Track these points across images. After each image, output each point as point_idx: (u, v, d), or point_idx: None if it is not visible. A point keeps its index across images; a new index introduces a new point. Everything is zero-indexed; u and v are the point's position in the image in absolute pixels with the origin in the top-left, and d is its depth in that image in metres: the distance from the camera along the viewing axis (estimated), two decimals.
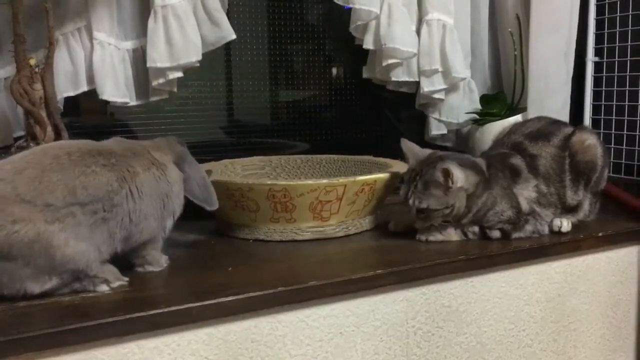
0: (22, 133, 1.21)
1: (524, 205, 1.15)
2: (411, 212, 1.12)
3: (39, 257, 0.82)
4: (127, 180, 0.90)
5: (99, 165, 0.88)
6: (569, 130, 1.25)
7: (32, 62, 1.12)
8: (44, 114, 1.13)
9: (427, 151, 1.18)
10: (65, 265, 0.84)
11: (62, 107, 1.25)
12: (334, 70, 1.79)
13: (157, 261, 1.00)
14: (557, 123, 1.29)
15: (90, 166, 0.87)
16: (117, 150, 0.93)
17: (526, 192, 1.16)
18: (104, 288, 0.89)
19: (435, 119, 1.67)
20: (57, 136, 1.15)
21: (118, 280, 0.91)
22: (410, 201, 1.11)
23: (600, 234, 1.22)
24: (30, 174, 0.84)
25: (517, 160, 1.18)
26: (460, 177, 1.08)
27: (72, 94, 1.27)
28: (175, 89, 1.33)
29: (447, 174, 1.07)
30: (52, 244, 0.82)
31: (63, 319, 0.79)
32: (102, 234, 0.88)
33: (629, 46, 1.61)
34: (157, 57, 1.26)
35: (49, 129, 1.13)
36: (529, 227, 1.16)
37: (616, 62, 1.64)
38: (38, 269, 0.82)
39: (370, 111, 1.82)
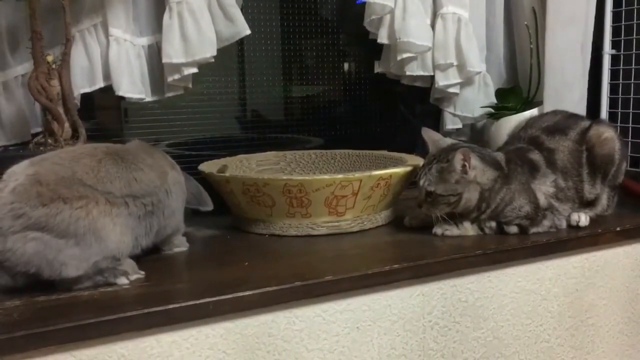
0: (39, 129, 1.22)
1: (542, 201, 1.14)
2: (420, 195, 1.13)
3: (91, 238, 0.85)
4: (163, 178, 0.98)
5: (144, 165, 0.95)
6: (586, 123, 1.24)
7: (50, 58, 1.13)
8: (61, 110, 1.14)
9: (449, 140, 1.19)
10: (109, 251, 0.87)
11: (78, 104, 1.25)
12: (348, 65, 1.79)
13: (182, 243, 1.09)
14: (574, 117, 1.28)
15: (137, 164, 0.94)
16: (145, 151, 0.99)
17: (544, 187, 1.15)
18: (123, 280, 0.90)
19: (450, 113, 1.66)
20: (75, 132, 1.16)
21: (136, 274, 0.93)
22: (421, 182, 1.11)
23: (618, 229, 1.21)
24: (88, 162, 0.89)
25: (536, 155, 1.17)
26: (477, 167, 1.08)
27: (88, 90, 1.27)
28: (190, 85, 1.34)
29: (467, 157, 1.07)
30: (107, 227, 0.86)
31: (82, 313, 0.80)
32: (146, 227, 0.94)
33: None
34: (173, 53, 1.26)
35: (67, 124, 1.15)
36: (546, 222, 1.15)
37: (633, 54, 1.62)
38: (85, 251, 0.85)
39: (384, 106, 1.81)
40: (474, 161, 1.08)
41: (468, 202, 1.10)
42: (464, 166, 1.07)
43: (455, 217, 1.14)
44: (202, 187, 1.13)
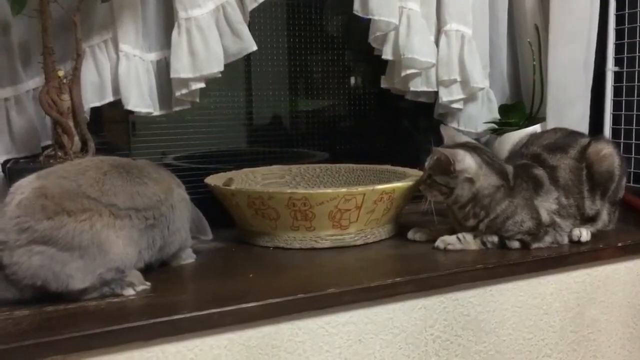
0: (49, 142, 1.24)
1: (545, 217, 1.15)
2: (423, 175, 1.17)
3: (95, 251, 0.86)
4: (168, 193, 0.99)
5: (149, 179, 0.96)
6: (585, 141, 1.26)
7: (61, 73, 1.15)
8: (71, 123, 1.16)
9: (465, 137, 1.24)
10: (113, 263, 0.88)
11: (88, 117, 1.28)
12: (353, 80, 1.80)
13: (189, 255, 1.10)
14: (574, 134, 1.29)
15: (142, 178, 0.95)
16: (152, 167, 1.01)
17: (547, 204, 1.16)
18: (130, 292, 0.92)
19: (454, 128, 1.67)
20: (84, 145, 1.18)
21: (142, 285, 0.94)
22: (427, 163, 1.16)
23: (619, 244, 1.22)
24: (93, 175, 0.90)
25: (540, 172, 1.19)
26: (471, 168, 1.11)
27: (98, 104, 1.29)
28: (197, 99, 1.36)
29: (447, 159, 1.10)
30: (110, 240, 0.87)
31: (89, 323, 0.81)
32: (148, 240, 0.95)
33: None
34: (181, 68, 1.28)
35: (76, 138, 1.17)
36: (548, 238, 1.16)
37: (636, 71, 1.64)
38: (89, 263, 0.86)
39: (388, 121, 1.83)
40: (469, 163, 1.10)
41: (460, 198, 1.13)
42: (448, 165, 1.10)
43: (457, 231, 1.15)
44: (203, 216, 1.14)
